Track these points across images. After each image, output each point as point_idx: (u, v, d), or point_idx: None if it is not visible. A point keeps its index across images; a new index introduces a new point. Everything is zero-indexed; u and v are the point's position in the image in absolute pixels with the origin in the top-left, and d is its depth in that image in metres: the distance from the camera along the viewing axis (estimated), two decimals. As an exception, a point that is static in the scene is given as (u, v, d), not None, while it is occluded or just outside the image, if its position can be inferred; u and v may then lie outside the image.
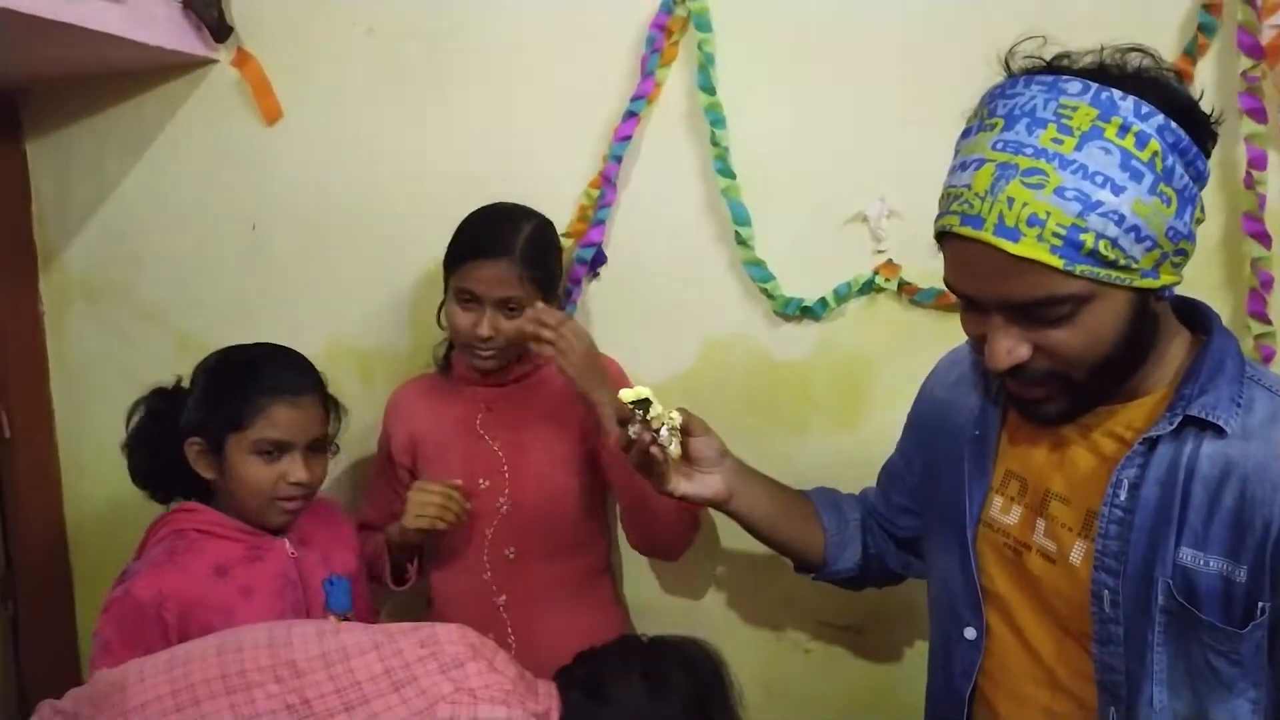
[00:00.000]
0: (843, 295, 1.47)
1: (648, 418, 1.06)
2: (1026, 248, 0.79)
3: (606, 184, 1.55)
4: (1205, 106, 0.85)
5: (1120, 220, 0.79)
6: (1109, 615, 0.88)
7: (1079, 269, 0.80)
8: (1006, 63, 0.89)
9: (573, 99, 1.57)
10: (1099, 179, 0.79)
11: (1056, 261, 0.79)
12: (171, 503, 1.34)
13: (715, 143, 1.49)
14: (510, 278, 1.38)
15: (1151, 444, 0.87)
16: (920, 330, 1.43)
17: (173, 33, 1.68)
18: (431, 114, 1.65)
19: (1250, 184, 1.26)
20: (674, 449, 1.08)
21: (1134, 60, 0.84)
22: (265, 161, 1.77)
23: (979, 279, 0.85)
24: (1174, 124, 0.80)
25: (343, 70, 1.70)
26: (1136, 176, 0.79)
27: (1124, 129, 0.79)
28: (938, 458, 1.10)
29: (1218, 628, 0.83)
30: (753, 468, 1.22)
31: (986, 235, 0.81)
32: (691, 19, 1.48)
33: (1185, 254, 0.85)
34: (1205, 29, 1.27)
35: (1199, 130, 0.83)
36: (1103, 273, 0.80)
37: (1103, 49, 0.85)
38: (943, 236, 0.88)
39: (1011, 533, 0.99)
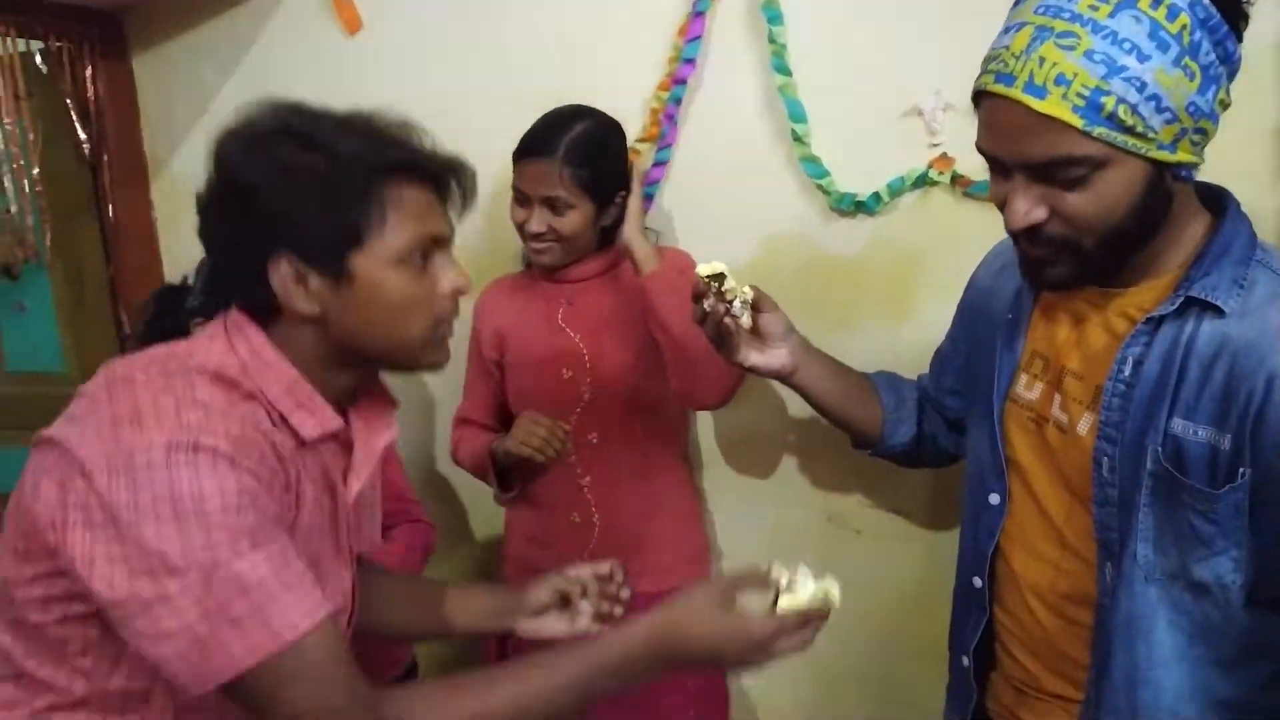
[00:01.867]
0: (896, 189, 1.51)
1: (722, 289, 1.15)
2: (1050, 105, 0.83)
3: (677, 85, 1.59)
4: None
5: (1142, 87, 0.82)
6: (1106, 479, 0.95)
7: (1097, 130, 0.83)
8: None
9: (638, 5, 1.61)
10: (1126, 45, 0.82)
11: (1076, 121, 0.83)
12: None
13: (772, 40, 1.52)
14: (552, 176, 1.45)
15: (1156, 323, 0.92)
16: (973, 223, 1.46)
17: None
18: (504, 26, 1.71)
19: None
20: (745, 320, 1.18)
21: None
22: (347, 70, 1.86)
23: (1004, 137, 0.89)
24: (1206, 0, 0.82)
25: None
26: (1163, 47, 0.82)
27: (1156, 1, 0.82)
28: (979, 340, 1.17)
29: (1197, 489, 0.89)
30: (816, 347, 1.29)
31: (1015, 92, 0.85)
32: (749, -84, 1.50)
33: (1205, 134, 0.87)
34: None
35: (1231, 10, 0.84)
36: (1120, 138, 0.84)
37: None
38: (978, 98, 0.92)
39: (1034, 407, 1.05)
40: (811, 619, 0.91)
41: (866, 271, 1.56)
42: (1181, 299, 0.90)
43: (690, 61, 1.58)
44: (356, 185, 0.89)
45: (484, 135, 1.72)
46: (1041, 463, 1.04)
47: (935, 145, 1.48)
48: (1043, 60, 0.84)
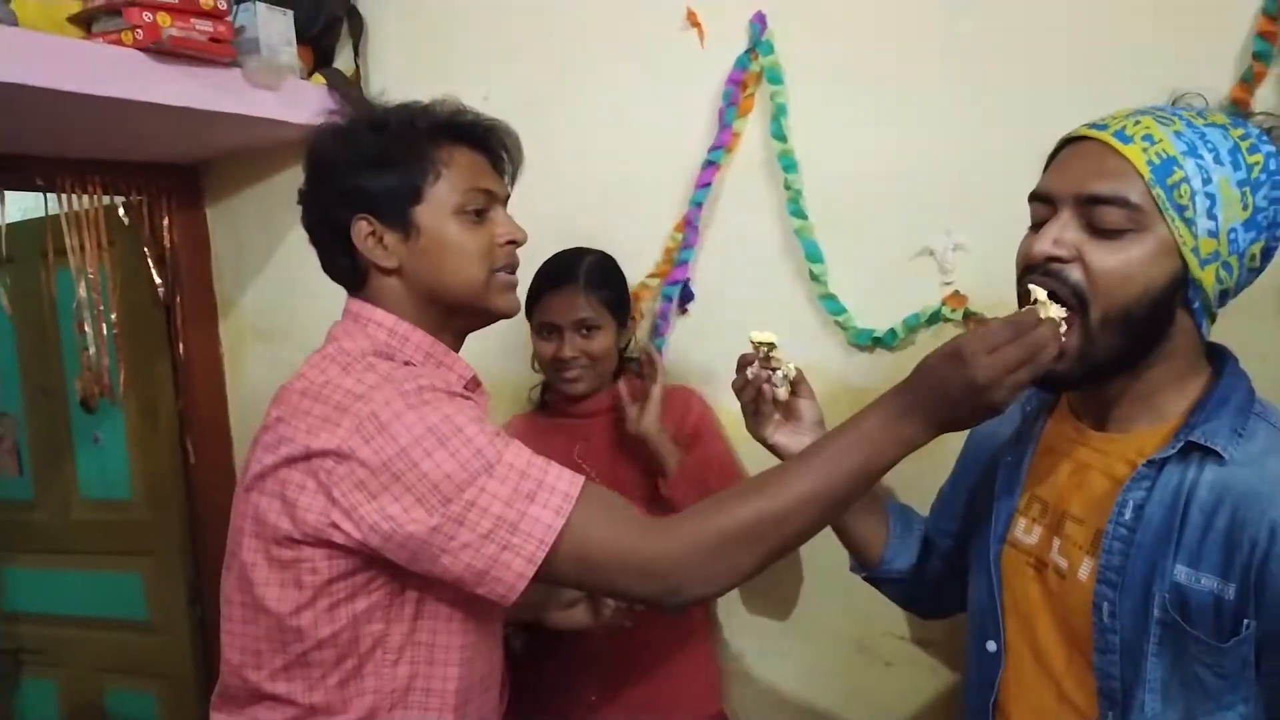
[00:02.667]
0: (912, 325, 1.55)
1: (769, 356, 1.18)
2: (1131, 150, 0.90)
3: (689, 228, 1.69)
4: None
5: (1206, 180, 0.89)
6: (1107, 625, 0.94)
7: (1156, 191, 0.89)
8: (1174, 102, 1.00)
9: (660, 153, 1.72)
10: (1209, 145, 0.90)
11: (1145, 171, 0.89)
12: None
13: (788, 186, 1.60)
14: (579, 300, 1.56)
15: (1159, 467, 0.93)
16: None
17: (320, 111, 1.93)
18: (538, 172, 1.83)
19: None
20: (782, 393, 1.19)
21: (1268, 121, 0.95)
22: (399, 217, 2.01)
23: (1072, 172, 0.94)
24: None
25: (462, 134, 1.91)
26: (1235, 165, 0.90)
27: (1245, 136, 0.92)
28: (979, 483, 1.18)
29: (1204, 642, 0.88)
30: None
31: (1104, 135, 0.93)
32: (764, 72, 1.60)
33: (1231, 271, 0.92)
34: (1261, 56, 1.29)
35: None
36: (1170, 210, 0.89)
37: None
38: (1057, 150, 1.00)
39: (1033, 551, 1.05)
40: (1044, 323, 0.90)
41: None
42: (1182, 443, 0.92)
43: (699, 205, 1.68)
44: (410, 148, 1.07)
45: (525, 274, 1.83)
46: (1042, 609, 1.03)
47: (948, 284, 1.53)
48: (1138, 121, 0.92)
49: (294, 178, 2.11)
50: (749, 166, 1.66)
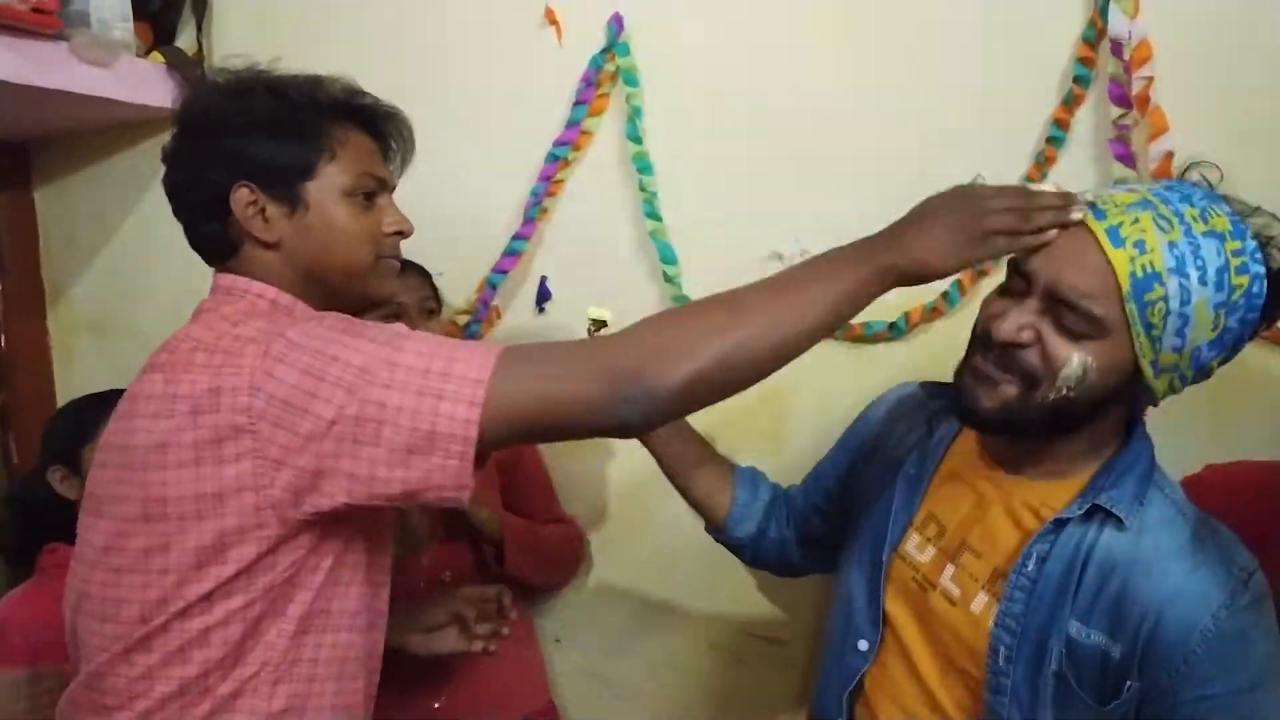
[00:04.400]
0: (762, 329, 1.58)
1: (597, 334, 1.20)
2: (1118, 257, 0.88)
3: (524, 219, 1.69)
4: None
5: (1184, 302, 0.88)
6: (1002, 668, 0.98)
7: (1129, 306, 0.89)
8: (1183, 172, 1.00)
9: (512, 151, 1.69)
10: (1199, 263, 0.88)
11: (1125, 283, 0.88)
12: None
13: (643, 188, 1.61)
14: (420, 282, 1.56)
15: (1061, 524, 0.97)
16: (833, 361, 1.53)
17: (159, 91, 1.83)
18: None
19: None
20: None
21: (1268, 225, 0.93)
22: (246, 207, 1.92)
23: (1057, 260, 0.92)
24: (1265, 283, 0.90)
25: (313, 123, 1.84)
26: (1219, 287, 0.88)
27: (1239, 253, 0.89)
28: (867, 482, 1.20)
29: (1087, 703, 0.93)
30: (688, 425, 1.34)
31: (1099, 228, 0.90)
32: (620, 74, 1.60)
33: (1185, 383, 0.95)
34: (1080, 80, 1.37)
35: (1274, 303, 0.92)
36: (1137, 326, 0.89)
37: (1256, 209, 0.95)
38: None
39: (921, 569, 1.07)
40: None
41: (740, 405, 1.61)
42: (1089, 505, 0.95)
43: (535, 197, 1.67)
44: (309, 123, 1.01)
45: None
46: (918, 625, 1.07)
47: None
48: (1136, 221, 0.89)
49: (129, 161, 2.03)
50: (604, 167, 1.66)
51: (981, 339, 0.98)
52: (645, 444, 1.30)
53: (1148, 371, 0.92)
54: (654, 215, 1.61)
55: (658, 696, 1.75)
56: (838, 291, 0.91)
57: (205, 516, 0.90)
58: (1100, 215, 0.91)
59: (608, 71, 1.61)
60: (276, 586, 0.93)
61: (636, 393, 0.85)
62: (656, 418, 0.88)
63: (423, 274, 1.59)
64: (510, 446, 0.99)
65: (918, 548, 1.09)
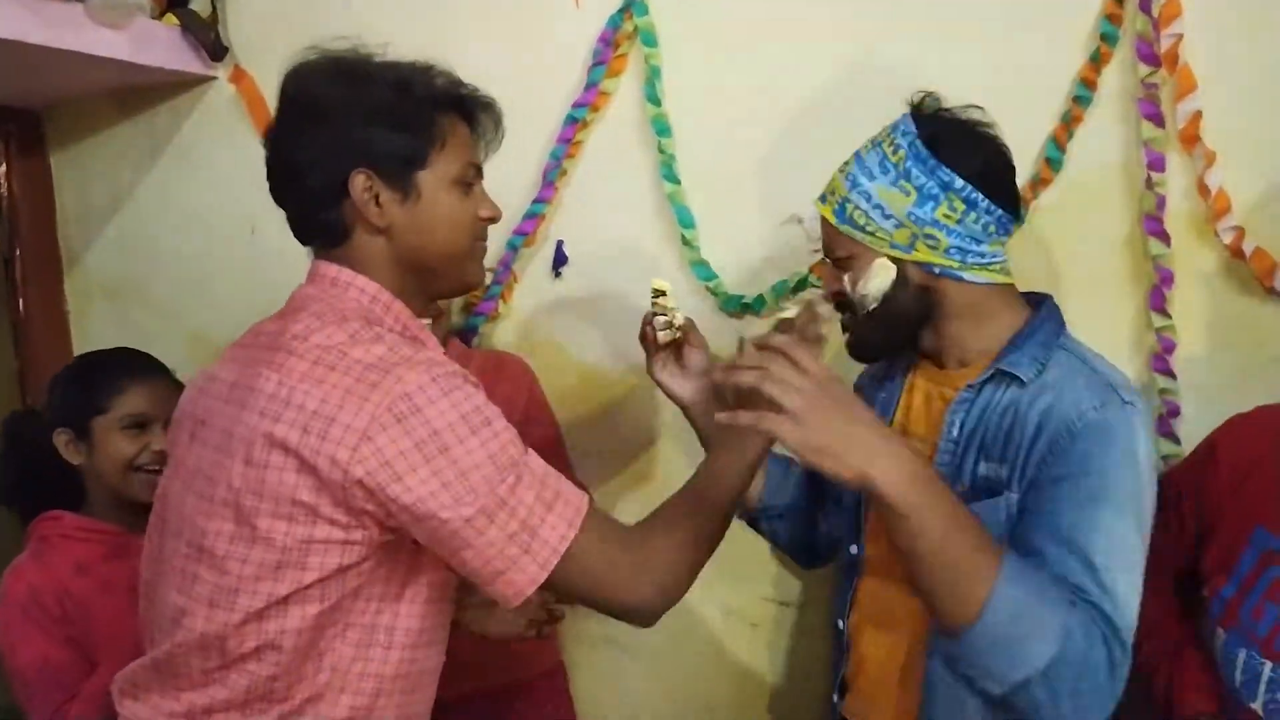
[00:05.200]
0: (780, 292, 1.57)
1: (654, 301, 1.28)
2: (823, 209, 1.16)
3: (544, 182, 1.67)
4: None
5: (868, 198, 1.10)
6: None
7: (844, 229, 1.13)
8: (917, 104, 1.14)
9: (530, 113, 1.67)
10: (865, 170, 1.12)
11: (832, 219, 1.14)
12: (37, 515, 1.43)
13: (661, 150, 1.59)
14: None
15: (977, 390, 1.11)
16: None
17: (173, 54, 1.83)
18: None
19: (1150, 185, 1.33)
20: (663, 336, 1.28)
21: (959, 111, 1.13)
22: (260, 169, 1.90)
23: (823, 234, 1.18)
24: (920, 142, 1.08)
25: (328, 86, 1.83)
26: (884, 171, 1.10)
27: (891, 141, 1.11)
28: None
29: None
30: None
31: (817, 203, 1.17)
32: (639, 34, 1.58)
33: (936, 239, 1.09)
34: (1107, 38, 1.34)
35: (950, 154, 1.07)
36: (859, 235, 1.11)
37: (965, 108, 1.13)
38: None
39: None
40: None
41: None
42: (992, 371, 1.10)
43: (556, 159, 1.66)
44: (424, 114, 1.04)
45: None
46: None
47: (815, 251, 1.54)
48: (831, 179, 1.16)
49: (145, 125, 2.02)
50: (622, 129, 1.64)
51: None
52: (690, 420, 1.33)
53: (900, 254, 1.10)
54: (672, 178, 1.59)
55: (672, 661, 1.75)
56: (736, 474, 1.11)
57: (296, 521, 0.93)
58: (823, 198, 1.16)
59: (625, 31, 1.59)
60: (347, 598, 0.97)
61: (663, 607, 1.03)
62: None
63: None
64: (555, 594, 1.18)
65: None
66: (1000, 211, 1.09)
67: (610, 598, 1.01)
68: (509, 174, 1.69)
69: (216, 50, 1.84)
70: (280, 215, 1.88)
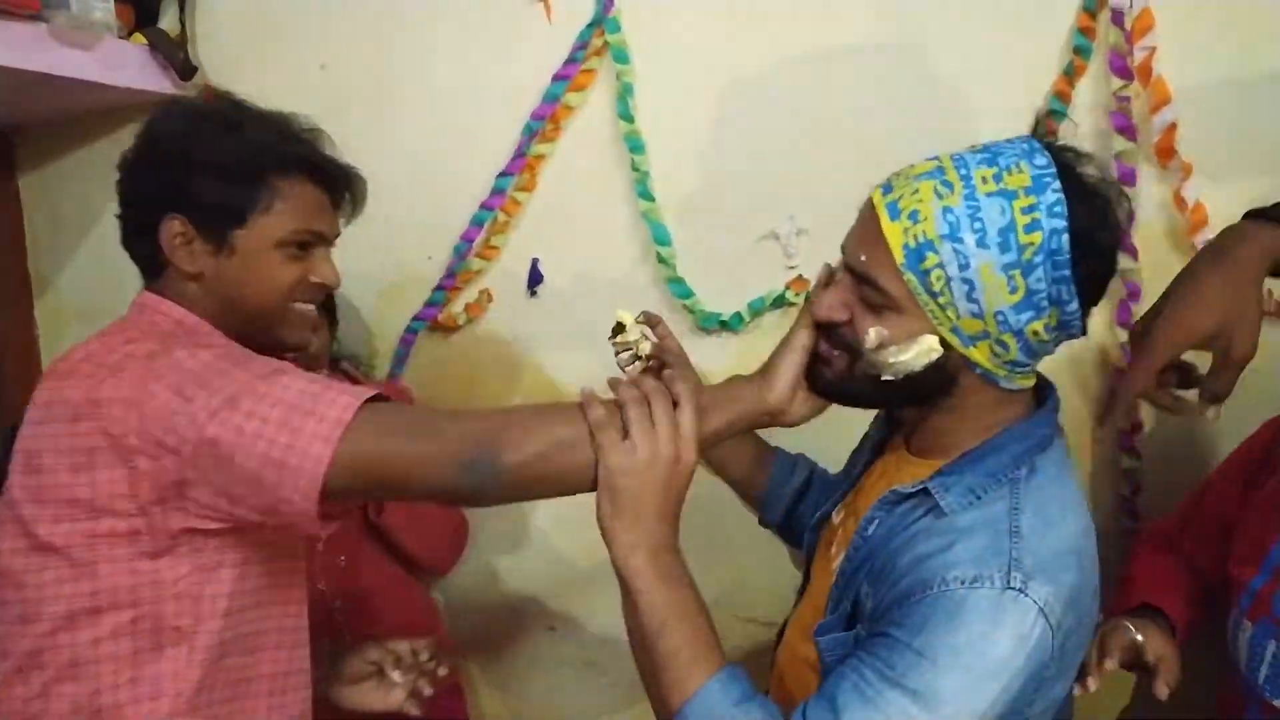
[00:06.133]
0: (757, 309, 1.56)
1: (614, 339, 1.22)
2: (891, 229, 0.87)
3: (493, 192, 1.66)
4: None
5: (964, 266, 0.85)
6: (826, 621, 1.01)
7: (907, 275, 0.87)
8: (1036, 123, 0.96)
9: (500, 129, 1.66)
10: (977, 225, 0.84)
11: (899, 256, 0.87)
12: None
13: (635, 168, 1.58)
14: None
15: (901, 497, 0.96)
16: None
17: (142, 74, 1.79)
18: (378, 143, 1.75)
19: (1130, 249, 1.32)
20: (632, 369, 1.22)
21: (1095, 172, 0.88)
22: (232, 191, 1.89)
23: (855, 236, 0.93)
24: (1067, 240, 0.84)
25: (299, 103, 1.79)
26: (1004, 248, 0.84)
27: (1030, 209, 0.83)
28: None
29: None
30: None
31: (881, 202, 0.89)
32: (610, 50, 1.57)
33: (1008, 349, 0.89)
34: (1080, 51, 1.34)
35: (1096, 271, 0.87)
36: (923, 295, 0.87)
37: (1103, 174, 0.89)
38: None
39: (832, 530, 1.12)
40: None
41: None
42: (920, 486, 0.94)
43: (508, 175, 1.65)
44: (252, 170, 1.03)
45: (357, 250, 1.75)
46: (818, 583, 1.10)
47: (791, 268, 1.54)
48: (916, 191, 0.87)
49: (113, 146, 1.99)
50: (597, 145, 1.62)
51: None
52: None
53: (954, 341, 0.89)
54: (646, 195, 1.58)
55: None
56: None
57: (78, 520, 0.92)
58: (887, 190, 0.90)
59: (595, 47, 1.57)
60: (167, 602, 0.94)
61: (482, 463, 0.88)
62: (495, 491, 0.90)
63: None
64: (356, 501, 1.05)
65: (838, 513, 1.12)
66: (1078, 329, 0.91)
67: (424, 462, 0.90)
68: (474, 184, 1.68)
69: (186, 70, 1.81)
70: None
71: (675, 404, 0.93)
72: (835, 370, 0.96)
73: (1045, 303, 0.86)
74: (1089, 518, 0.94)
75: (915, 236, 0.86)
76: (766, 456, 1.35)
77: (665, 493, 0.90)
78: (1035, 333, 0.88)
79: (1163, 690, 1.10)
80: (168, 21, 1.85)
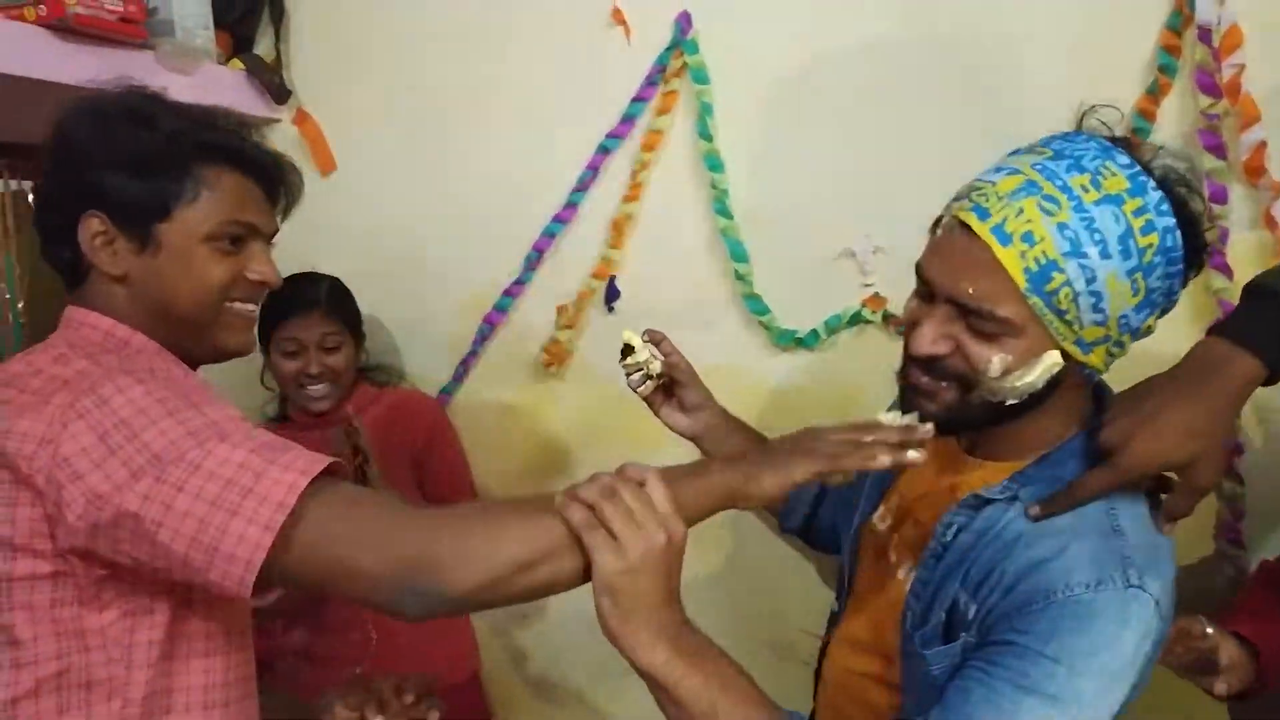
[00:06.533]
0: (833, 326, 1.57)
1: (624, 361, 1.26)
2: (1008, 256, 0.85)
3: (566, 205, 1.71)
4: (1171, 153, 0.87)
5: (1090, 280, 0.85)
6: (908, 633, 0.98)
7: (1033, 300, 0.86)
8: (1080, 118, 0.95)
9: (584, 145, 1.70)
10: (1096, 236, 0.84)
11: (1021, 281, 0.85)
12: None
13: (714, 186, 1.60)
14: (320, 320, 1.70)
15: (984, 502, 0.95)
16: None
17: (239, 98, 1.88)
18: (462, 162, 1.81)
19: (1212, 218, 1.30)
20: (644, 389, 1.28)
21: (1175, 164, 0.89)
22: (320, 209, 1.95)
23: (951, 267, 0.90)
24: (1179, 234, 0.86)
25: (387, 123, 1.87)
26: (1125, 254, 0.85)
27: (1140, 211, 0.85)
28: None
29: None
30: (743, 424, 1.35)
31: (984, 229, 0.87)
32: (689, 71, 1.60)
33: (1123, 348, 0.92)
34: (1165, 69, 1.33)
35: (1194, 247, 0.89)
36: (1049, 316, 0.87)
37: (1160, 148, 0.91)
38: (941, 221, 0.94)
39: (881, 539, 1.11)
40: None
41: (807, 403, 1.61)
42: (1010, 494, 0.94)
43: (583, 188, 1.69)
44: (173, 158, 0.96)
45: (441, 262, 1.79)
46: (870, 591, 1.09)
47: (868, 285, 1.54)
48: (1021, 211, 0.85)
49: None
50: (676, 165, 1.65)
51: (906, 369, 0.97)
52: (698, 445, 1.33)
53: (1075, 352, 0.89)
54: (725, 213, 1.60)
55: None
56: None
57: None
58: (984, 215, 0.87)
59: (674, 68, 1.60)
60: (94, 651, 0.87)
61: (423, 590, 0.82)
62: (437, 613, 0.85)
63: (329, 310, 1.71)
64: (284, 588, 0.95)
65: (880, 519, 1.11)
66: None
67: (363, 577, 0.82)
68: (553, 204, 1.73)
69: (280, 93, 1.89)
70: (338, 255, 1.93)
71: (641, 484, 0.86)
72: (944, 402, 0.94)
73: (1160, 298, 0.89)
74: None
75: (1036, 259, 0.85)
76: None
77: (667, 578, 0.85)
78: (1149, 328, 0.92)
79: (1221, 689, 1.08)
80: (263, 47, 1.94)
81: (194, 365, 1.02)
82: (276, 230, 1.07)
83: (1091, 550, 0.87)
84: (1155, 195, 0.86)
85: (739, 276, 1.60)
